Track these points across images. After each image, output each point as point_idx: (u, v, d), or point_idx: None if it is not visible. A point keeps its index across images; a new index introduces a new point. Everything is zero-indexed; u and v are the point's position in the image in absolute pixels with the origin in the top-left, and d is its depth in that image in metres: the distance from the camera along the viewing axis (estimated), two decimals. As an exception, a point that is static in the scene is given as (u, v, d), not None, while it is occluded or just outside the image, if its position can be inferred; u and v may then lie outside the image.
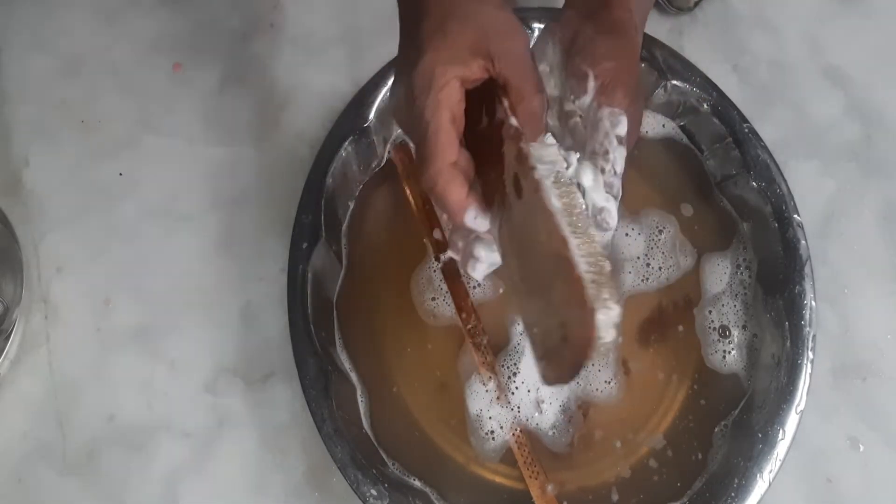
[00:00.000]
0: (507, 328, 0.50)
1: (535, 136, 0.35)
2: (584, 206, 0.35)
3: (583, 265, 0.29)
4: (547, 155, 0.33)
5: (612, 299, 0.28)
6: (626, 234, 0.52)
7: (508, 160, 0.33)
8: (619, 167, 0.37)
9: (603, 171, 0.37)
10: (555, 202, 0.31)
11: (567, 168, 0.35)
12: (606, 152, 0.37)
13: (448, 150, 0.33)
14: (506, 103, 0.34)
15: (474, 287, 0.51)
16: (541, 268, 0.32)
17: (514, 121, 0.34)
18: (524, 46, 0.35)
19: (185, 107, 0.57)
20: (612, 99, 0.37)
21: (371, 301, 0.52)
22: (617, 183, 0.37)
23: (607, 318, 0.28)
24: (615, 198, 0.37)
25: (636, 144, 0.39)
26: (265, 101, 0.57)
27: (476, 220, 0.35)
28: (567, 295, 0.29)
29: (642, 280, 0.51)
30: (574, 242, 0.29)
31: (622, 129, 0.37)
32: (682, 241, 0.52)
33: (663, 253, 0.52)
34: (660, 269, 0.52)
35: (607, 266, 0.29)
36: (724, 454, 0.47)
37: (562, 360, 0.29)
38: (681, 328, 0.51)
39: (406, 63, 0.35)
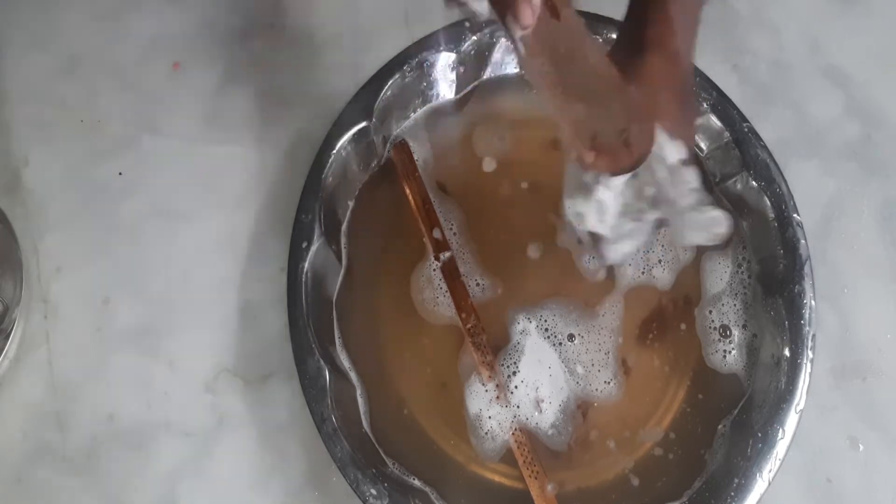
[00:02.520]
0: (506, 328, 0.50)
1: None
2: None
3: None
4: None
5: None
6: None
7: None
8: (696, 182, 0.36)
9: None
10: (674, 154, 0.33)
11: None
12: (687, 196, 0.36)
13: None
14: None
15: (475, 285, 0.51)
16: (588, 79, 0.33)
17: None
18: None
19: (185, 106, 0.57)
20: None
21: (371, 301, 0.52)
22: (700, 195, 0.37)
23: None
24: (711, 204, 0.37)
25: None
26: (265, 102, 0.57)
27: None
28: (628, 110, 0.32)
29: (641, 273, 0.51)
30: None
31: (681, 153, 0.36)
32: (682, 234, 0.52)
33: (663, 246, 0.52)
34: (659, 261, 0.52)
35: None
36: (724, 454, 0.47)
37: (618, 158, 0.32)
38: (683, 327, 0.51)
39: None
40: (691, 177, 0.36)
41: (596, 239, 0.38)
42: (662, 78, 0.37)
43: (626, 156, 0.33)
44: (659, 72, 0.37)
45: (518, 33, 0.33)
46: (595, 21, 0.53)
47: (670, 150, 0.36)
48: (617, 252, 0.39)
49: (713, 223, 0.37)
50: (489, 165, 0.54)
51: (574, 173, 0.37)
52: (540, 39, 0.33)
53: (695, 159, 0.37)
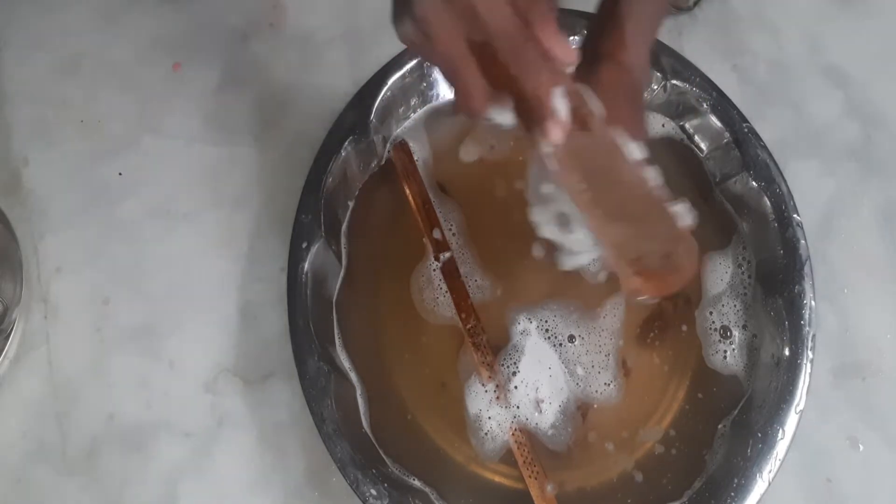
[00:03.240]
0: (506, 328, 0.50)
1: (565, 55, 0.32)
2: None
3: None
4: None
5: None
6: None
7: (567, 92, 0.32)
8: (657, 180, 0.36)
9: None
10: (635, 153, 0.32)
11: None
12: None
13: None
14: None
15: (475, 285, 0.51)
16: (624, 196, 0.32)
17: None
18: None
19: (185, 106, 0.57)
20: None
21: (371, 301, 0.52)
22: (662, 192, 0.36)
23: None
24: None
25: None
26: (265, 101, 0.57)
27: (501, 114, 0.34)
28: (669, 231, 0.31)
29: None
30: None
31: (640, 153, 0.36)
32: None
33: None
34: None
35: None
36: (724, 454, 0.47)
37: (667, 282, 0.31)
38: (684, 328, 0.51)
39: None
40: (652, 175, 0.35)
41: (554, 245, 0.38)
42: (614, 86, 0.36)
43: (674, 277, 0.32)
44: (611, 80, 0.36)
45: (547, 150, 0.32)
46: (577, 17, 0.53)
47: (630, 150, 0.35)
48: (571, 262, 0.38)
49: (677, 218, 0.36)
50: (489, 165, 0.54)
51: (535, 182, 0.36)
52: (571, 155, 0.32)
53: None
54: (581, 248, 0.37)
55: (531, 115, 0.32)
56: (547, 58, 0.32)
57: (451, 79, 0.34)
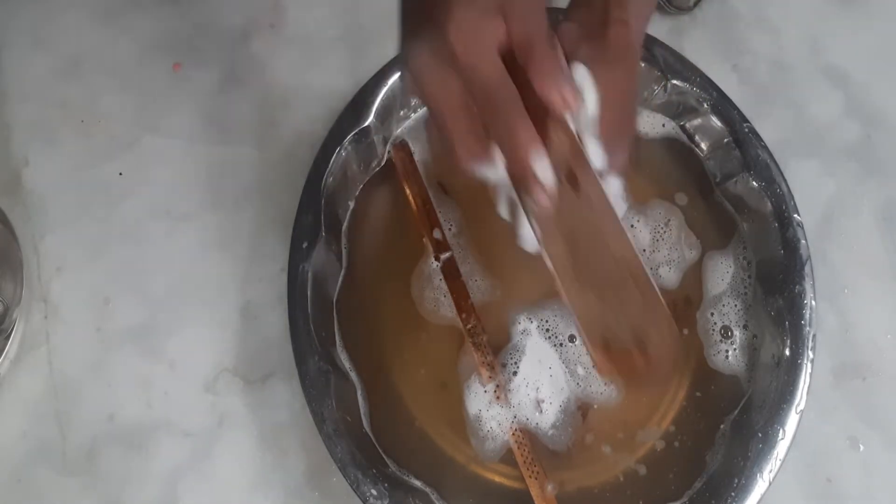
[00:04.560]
0: (507, 328, 0.50)
1: (560, 104, 0.31)
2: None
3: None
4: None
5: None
6: (632, 226, 0.52)
7: (558, 146, 0.31)
8: (619, 193, 0.35)
9: None
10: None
11: None
12: None
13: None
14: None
15: (475, 285, 0.51)
16: (604, 267, 0.30)
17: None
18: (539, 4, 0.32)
19: (185, 107, 0.57)
20: (605, 125, 0.35)
21: (371, 301, 0.52)
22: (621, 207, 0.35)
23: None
24: None
25: (637, 148, 0.38)
26: (265, 101, 0.57)
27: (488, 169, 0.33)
28: (644, 309, 0.28)
29: (650, 269, 0.51)
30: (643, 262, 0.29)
31: (606, 163, 0.35)
32: (688, 233, 0.52)
33: (669, 245, 0.52)
34: (666, 261, 0.52)
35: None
36: (724, 454, 0.47)
37: (632, 366, 0.29)
38: (686, 329, 0.51)
39: (430, 25, 0.32)
40: (614, 187, 0.35)
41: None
42: (611, 80, 0.35)
43: (642, 365, 0.29)
44: (605, 49, 0.35)
45: (534, 209, 0.30)
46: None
47: (598, 157, 0.34)
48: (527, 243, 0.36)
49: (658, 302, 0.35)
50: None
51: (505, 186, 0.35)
52: (556, 219, 0.30)
53: (622, 171, 0.35)
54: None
55: (517, 179, 0.31)
56: (543, 107, 0.30)
57: (441, 133, 0.33)
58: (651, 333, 0.28)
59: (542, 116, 0.31)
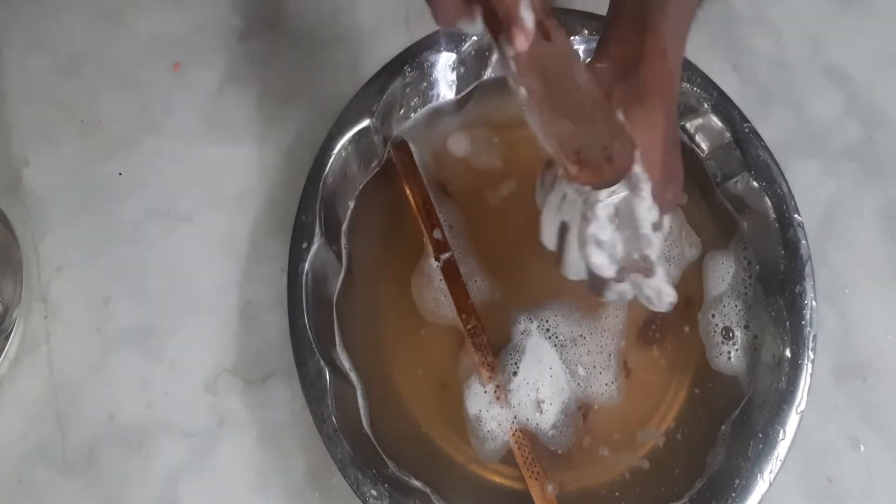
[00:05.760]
0: (507, 328, 0.50)
1: None
2: None
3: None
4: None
5: None
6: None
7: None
8: (656, 252, 0.36)
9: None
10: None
11: None
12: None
13: None
14: None
15: (475, 286, 0.51)
16: (575, 97, 0.34)
17: None
18: None
19: (185, 106, 0.57)
20: (652, 168, 0.35)
21: (371, 301, 0.52)
22: (651, 263, 0.36)
23: None
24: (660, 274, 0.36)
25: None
26: (265, 101, 0.57)
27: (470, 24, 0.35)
28: (610, 129, 0.34)
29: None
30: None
31: (651, 213, 0.36)
32: (689, 231, 0.52)
33: (669, 243, 0.52)
34: (668, 252, 0.52)
35: None
36: (725, 454, 0.47)
37: (601, 171, 0.34)
38: (686, 329, 0.51)
39: None
40: (656, 243, 0.36)
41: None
42: (648, 121, 0.35)
43: (609, 170, 0.34)
44: (647, 124, 0.35)
45: (511, 54, 0.34)
46: (586, 18, 0.53)
47: (647, 212, 0.36)
48: (573, 273, 0.39)
49: (659, 297, 0.37)
50: (490, 166, 0.54)
51: (544, 191, 0.39)
52: (532, 60, 0.34)
53: (665, 223, 0.36)
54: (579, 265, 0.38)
55: (499, 24, 0.34)
56: None
57: None
58: (615, 144, 0.34)
59: None
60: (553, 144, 0.34)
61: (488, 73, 0.55)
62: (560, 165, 0.34)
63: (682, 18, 0.38)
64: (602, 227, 0.36)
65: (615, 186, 0.35)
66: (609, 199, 0.36)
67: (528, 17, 0.34)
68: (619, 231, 0.36)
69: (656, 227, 0.36)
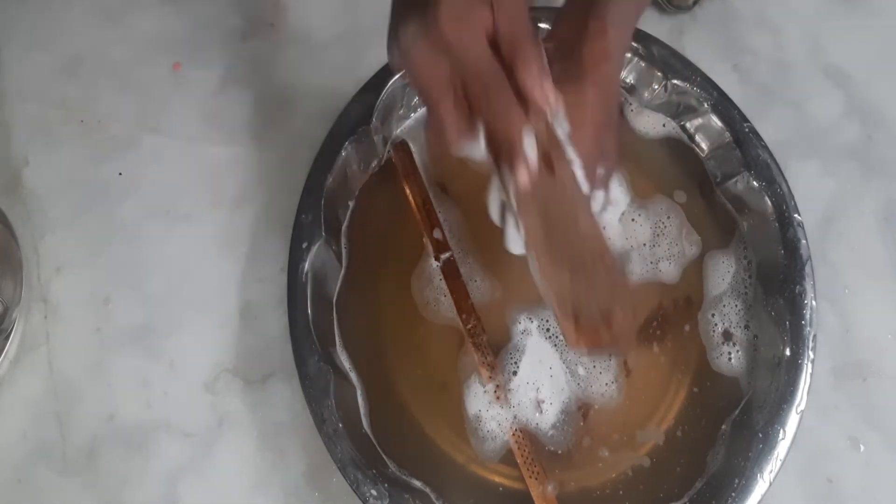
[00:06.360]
0: (507, 328, 0.50)
1: (541, 98, 0.32)
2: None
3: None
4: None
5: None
6: (633, 220, 0.52)
7: (537, 132, 0.32)
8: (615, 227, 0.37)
9: None
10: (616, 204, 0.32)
11: None
12: None
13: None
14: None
15: (475, 285, 0.51)
16: (576, 246, 0.32)
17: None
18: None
19: (185, 106, 0.57)
20: (581, 145, 0.35)
21: (371, 301, 0.52)
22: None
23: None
24: None
25: (633, 148, 0.38)
26: (265, 101, 0.57)
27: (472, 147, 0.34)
28: (611, 288, 0.31)
29: (650, 264, 0.51)
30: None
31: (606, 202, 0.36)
32: (689, 229, 0.52)
33: (669, 241, 0.52)
34: (666, 256, 0.52)
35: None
36: (725, 454, 0.47)
37: (598, 338, 0.31)
38: (686, 328, 0.51)
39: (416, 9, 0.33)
40: (609, 194, 0.36)
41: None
42: (578, 108, 0.35)
43: (606, 336, 0.32)
44: (577, 103, 0.35)
45: (513, 188, 0.32)
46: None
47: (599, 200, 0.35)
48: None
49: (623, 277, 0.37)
50: (490, 166, 0.54)
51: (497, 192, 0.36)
52: (535, 197, 0.32)
53: (615, 196, 0.37)
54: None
55: (501, 155, 0.32)
56: (524, 99, 0.32)
57: (428, 111, 0.34)
58: (616, 311, 0.31)
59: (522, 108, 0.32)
60: (550, 298, 0.32)
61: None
62: (559, 324, 0.32)
63: (630, 3, 0.38)
64: None
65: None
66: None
67: (531, 151, 0.31)
68: None
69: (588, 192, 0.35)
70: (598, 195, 0.36)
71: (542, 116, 0.32)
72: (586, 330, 0.32)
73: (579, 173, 0.34)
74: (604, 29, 0.36)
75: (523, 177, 0.32)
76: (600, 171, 0.37)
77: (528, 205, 0.32)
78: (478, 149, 0.33)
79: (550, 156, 0.32)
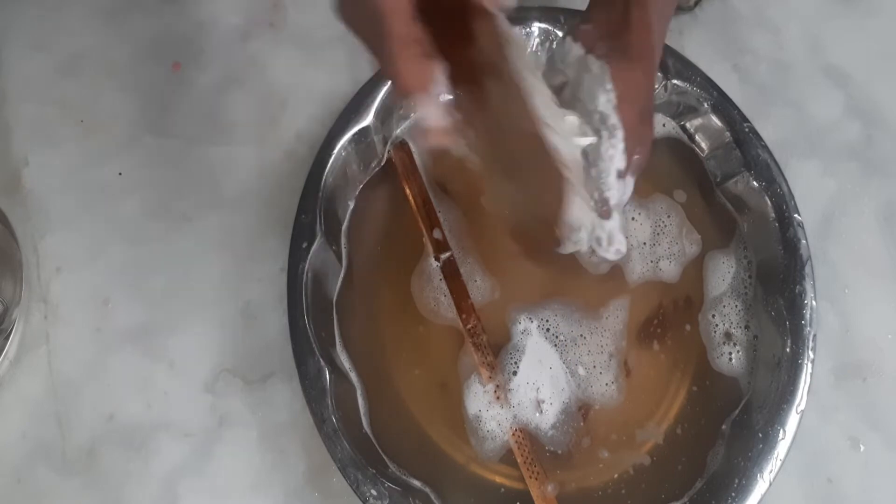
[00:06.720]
0: (507, 328, 0.50)
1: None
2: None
3: (560, 147, 0.31)
4: (519, 43, 0.31)
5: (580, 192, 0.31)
6: (633, 219, 0.52)
7: (483, 41, 0.31)
8: (615, 199, 0.37)
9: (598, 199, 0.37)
10: (535, 85, 0.31)
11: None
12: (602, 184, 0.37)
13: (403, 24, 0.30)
14: None
15: (475, 285, 0.51)
16: (517, 152, 0.32)
17: None
18: None
19: (185, 106, 0.57)
20: (626, 116, 0.36)
21: (371, 301, 0.52)
22: (608, 206, 0.37)
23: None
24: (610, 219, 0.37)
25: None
26: (265, 101, 0.57)
27: (439, 98, 0.32)
28: (543, 181, 0.31)
29: (650, 262, 0.51)
30: (549, 131, 0.31)
31: (619, 160, 0.36)
32: (689, 228, 0.52)
33: (669, 239, 0.52)
34: (666, 255, 0.52)
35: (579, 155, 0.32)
36: (725, 454, 0.47)
37: (532, 241, 0.32)
38: (687, 328, 0.51)
39: None
40: (617, 189, 0.37)
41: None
42: (630, 76, 0.36)
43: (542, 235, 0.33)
44: (627, 80, 0.36)
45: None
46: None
47: (616, 159, 0.36)
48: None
49: (610, 240, 0.37)
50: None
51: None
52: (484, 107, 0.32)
53: (640, 165, 0.37)
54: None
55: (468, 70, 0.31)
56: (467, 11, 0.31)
57: (383, 44, 0.31)
58: (546, 212, 0.32)
59: (470, 14, 0.31)
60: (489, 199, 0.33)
61: (488, 73, 0.55)
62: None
63: (666, 3, 0.39)
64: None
65: (587, 129, 0.34)
66: (579, 140, 0.35)
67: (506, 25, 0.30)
68: (582, 172, 0.35)
69: (620, 175, 0.36)
70: (616, 187, 0.37)
71: (489, 18, 0.31)
72: (523, 237, 0.33)
73: (620, 145, 0.35)
74: (648, 23, 0.37)
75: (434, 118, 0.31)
76: (635, 157, 0.37)
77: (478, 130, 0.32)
78: (441, 83, 0.32)
79: (496, 60, 0.31)
